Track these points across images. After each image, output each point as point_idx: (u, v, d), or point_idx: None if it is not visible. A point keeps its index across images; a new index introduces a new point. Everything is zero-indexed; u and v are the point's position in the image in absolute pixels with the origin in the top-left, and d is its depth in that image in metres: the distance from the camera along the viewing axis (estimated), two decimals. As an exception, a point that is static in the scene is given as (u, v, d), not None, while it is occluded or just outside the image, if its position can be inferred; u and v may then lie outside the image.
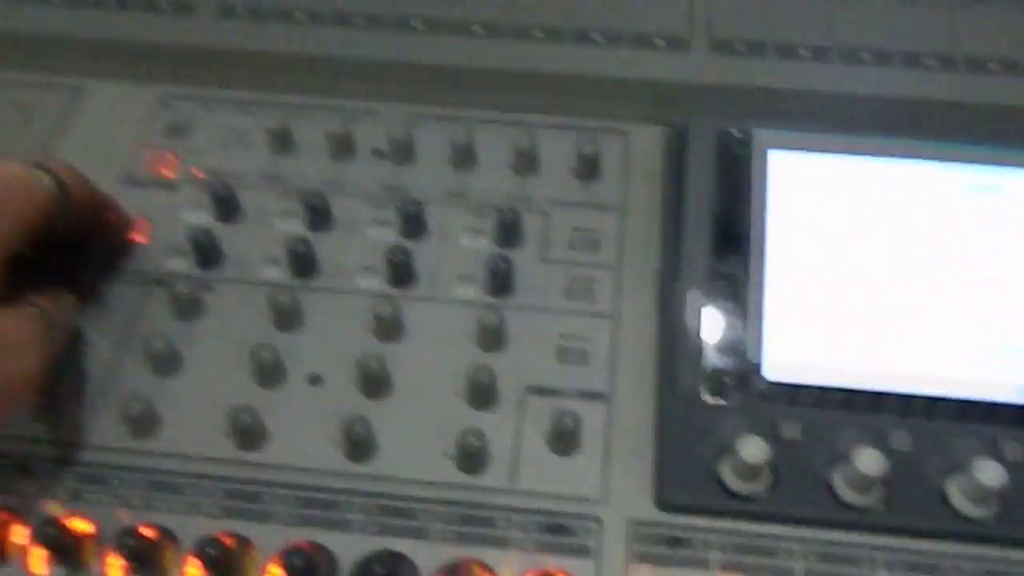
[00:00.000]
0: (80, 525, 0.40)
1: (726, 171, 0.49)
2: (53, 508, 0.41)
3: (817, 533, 0.41)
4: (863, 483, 0.40)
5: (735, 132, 0.50)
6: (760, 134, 0.50)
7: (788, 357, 0.45)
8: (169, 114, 0.55)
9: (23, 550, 0.40)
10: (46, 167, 0.42)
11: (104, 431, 0.44)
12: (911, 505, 0.41)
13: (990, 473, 0.39)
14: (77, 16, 0.61)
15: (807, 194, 0.48)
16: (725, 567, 0.40)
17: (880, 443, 0.41)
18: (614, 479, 0.42)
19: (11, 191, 0.39)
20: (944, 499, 0.41)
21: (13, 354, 0.38)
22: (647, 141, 0.54)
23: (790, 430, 0.43)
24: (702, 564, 0.40)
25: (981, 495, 0.40)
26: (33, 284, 0.42)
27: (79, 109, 0.56)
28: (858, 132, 0.50)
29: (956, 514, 0.40)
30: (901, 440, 0.42)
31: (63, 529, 0.39)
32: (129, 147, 0.54)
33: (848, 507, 0.41)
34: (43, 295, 0.42)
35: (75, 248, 0.46)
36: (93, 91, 0.57)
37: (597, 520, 0.41)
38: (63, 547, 0.39)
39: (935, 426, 0.43)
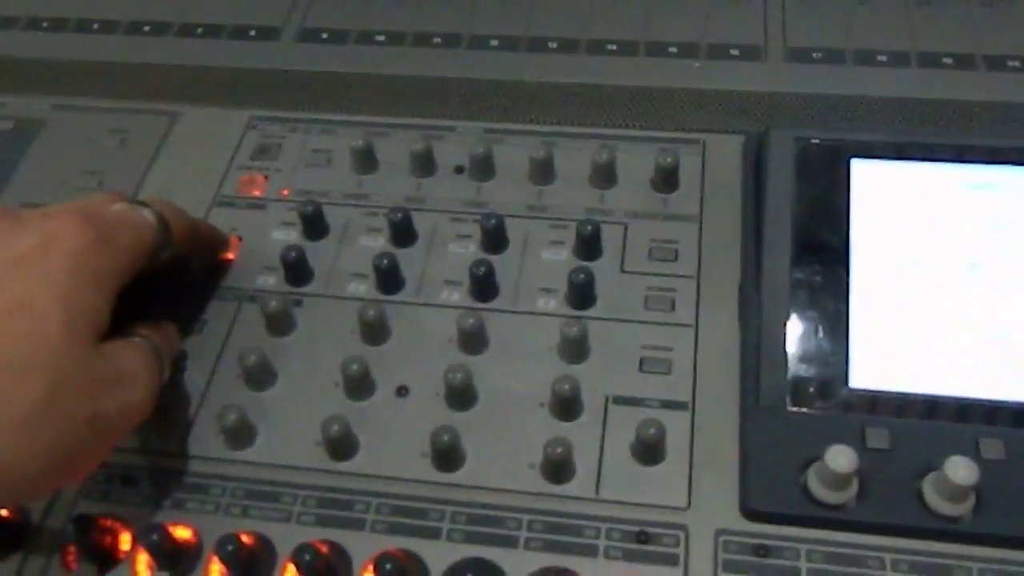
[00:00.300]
0: (182, 532, 0.42)
1: (806, 179, 0.49)
2: (156, 516, 0.43)
3: (907, 543, 0.40)
4: (954, 492, 0.39)
5: (815, 139, 0.50)
6: (841, 141, 0.50)
7: (873, 365, 0.44)
8: (257, 137, 0.57)
9: (129, 556, 0.42)
10: (146, 204, 0.44)
11: (203, 442, 0.45)
12: (1005, 515, 0.40)
13: (1087, 482, 0.39)
14: (168, 45, 0.64)
15: (890, 201, 0.48)
16: (814, 577, 0.40)
17: (971, 451, 0.41)
18: (699, 488, 0.43)
19: (119, 231, 0.41)
20: (1039, 508, 0.40)
21: (125, 386, 0.40)
22: (725, 151, 0.54)
23: (877, 438, 0.42)
24: (790, 573, 0.40)
25: (1078, 504, 0.39)
26: (138, 313, 0.44)
27: (173, 134, 0.59)
28: (940, 138, 0.50)
29: (1052, 524, 0.40)
30: (992, 448, 0.42)
31: (165, 535, 0.41)
32: (220, 169, 0.56)
33: (939, 516, 0.40)
34: (148, 325, 0.44)
35: (176, 274, 0.48)
36: (185, 116, 0.59)
37: (683, 529, 0.42)
38: (166, 553, 0.41)
39: (1028, 434, 0.42)
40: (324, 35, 0.63)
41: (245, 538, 0.41)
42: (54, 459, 0.37)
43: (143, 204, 0.44)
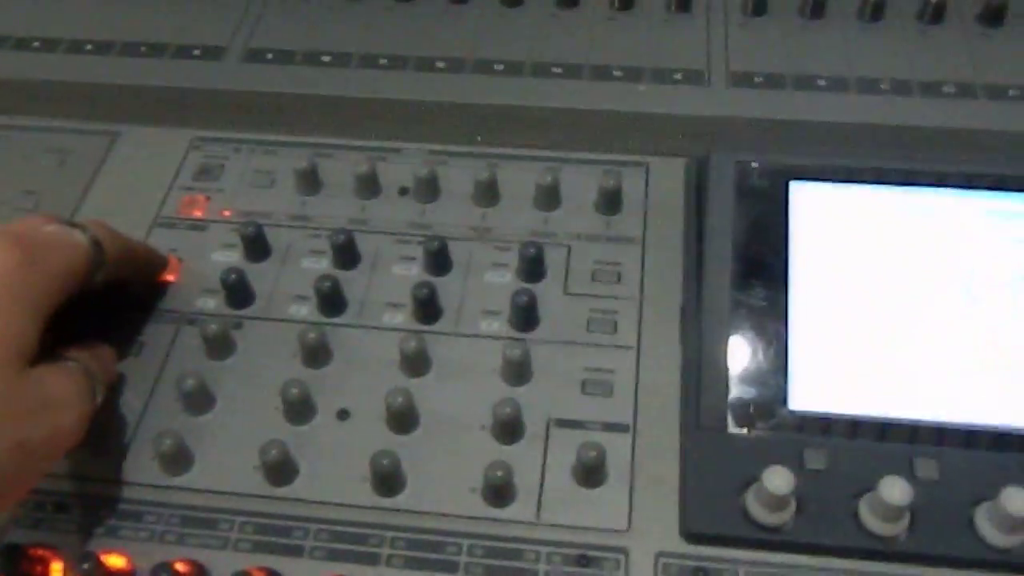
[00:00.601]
0: (115, 561, 0.41)
1: (747, 202, 0.49)
2: (89, 544, 0.42)
3: (843, 563, 0.41)
4: (889, 512, 0.40)
5: (755, 163, 0.50)
6: (781, 165, 0.50)
7: (813, 387, 0.45)
8: (199, 157, 0.57)
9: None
10: (80, 225, 0.43)
11: (138, 468, 0.45)
12: (938, 534, 0.41)
13: (1018, 502, 0.39)
14: (111, 64, 0.63)
15: (829, 224, 0.49)
16: (752, 599, 0.40)
17: (906, 471, 0.41)
18: (640, 510, 0.43)
19: (49, 252, 0.41)
20: (972, 527, 0.41)
21: (54, 411, 0.39)
22: (668, 174, 0.55)
23: (815, 460, 0.43)
24: (728, 598, 0.40)
25: (1009, 524, 0.40)
26: (72, 336, 0.43)
27: (113, 154, 0.58)
28: (879, 161, 0.51)
29: (983, 543, 0.40)
30: (927, 468, 0.42)
31: (99, 564, 0.40)
32: (161, 190, 0.55)
33: (874, 537, 0.41)
34: (82, 349, 0.43)
35: (112, 296, 0.48)
36: (126, 136, 0.59)
37: (624, 552, 0.42)
38: None
39: (962, 454, 0.43)
40: (269, 55, 0.63)
41: (180, 566, 0.40)
42: None
43: (76, 225, 0.43)
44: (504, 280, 0.50)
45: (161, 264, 0.51)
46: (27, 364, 0.38)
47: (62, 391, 0.40)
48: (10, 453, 0.36)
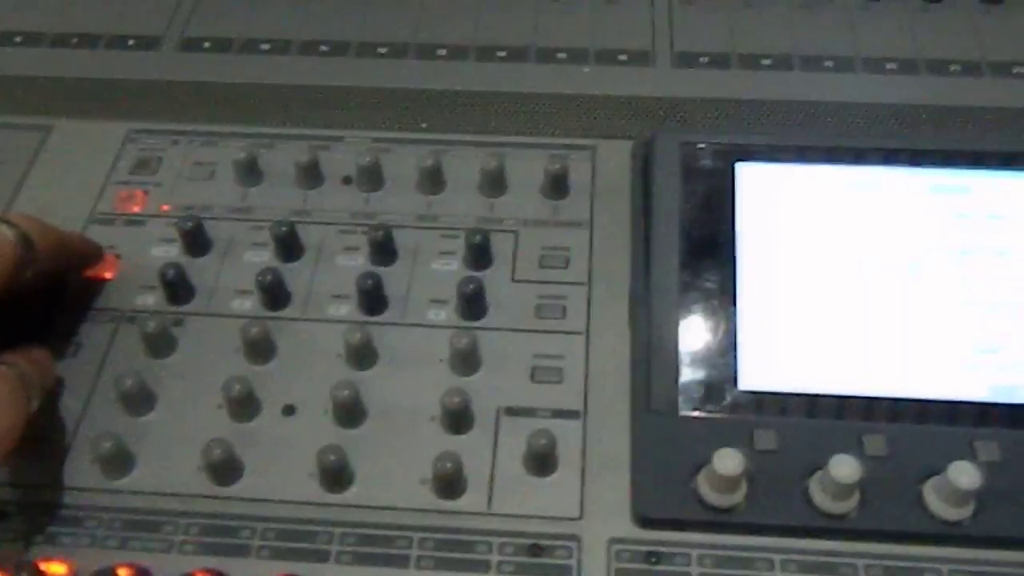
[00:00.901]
0: (56, 568, 0.40)
1: (693, 183, 0.49)
2: (29, 552, 0.41)
3: (796, 543, 0.41)
4: (839, 490, 0.40)
5: (700, 144, 0.50)
6: (726, 145, 0.50)
7: (762, 366, 0.45)
8: (136, 150, 0.55)
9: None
10: (6, 220, 0.42)
11: (77, 472, 0.43)
12: (888, 510, 0.41)
13: (965, 475, 0.39)
14: (41, 56, 0.61)
15: (775, 203, 0.48)
16: (704, 581, 0.40)
17: (855, 449, 0.42)
18: (592, 497, 0.42)
19: None
20: (921, 502, 0.41)
21: None
22: (614, 156, 0.54)
23: (765, 440, 0.43)
24: (683, 580, 0.40)
25: (957, 497, 0.40)
26: (5, 338, 0.42)
27: (46, 148, 0.56)
28: (824, 140, 0.51)
29: (933, 517, 0.40)
30: (876, 445, 0.42)
31: (37, 573, 0.39)
32: (97, 185, 0.54)
33: (825, 515, 0.41)
34: (15, 352, 0.42)
35: (47, 295, 0.46)
36: (59, 130, 0.57)
37: (577, 539, 0.41)
38: None
39: (910, 429, 0.43)
40: (206, 44, 0.61)
41: (122, 571, 0.39)
42: None
43: (1, 220, 0.42)
44: (451, 268, 0.50)
45: (96, 254, 0.49)
46: None
47: None
48: None
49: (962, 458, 0.40)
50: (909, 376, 0.44)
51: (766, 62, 0.58)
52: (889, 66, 0.58)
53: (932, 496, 0.41)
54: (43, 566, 0.40)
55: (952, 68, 0.57)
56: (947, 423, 0.43)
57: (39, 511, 0.42)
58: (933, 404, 0.43)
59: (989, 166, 0.49)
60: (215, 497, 0.43)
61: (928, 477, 0.41)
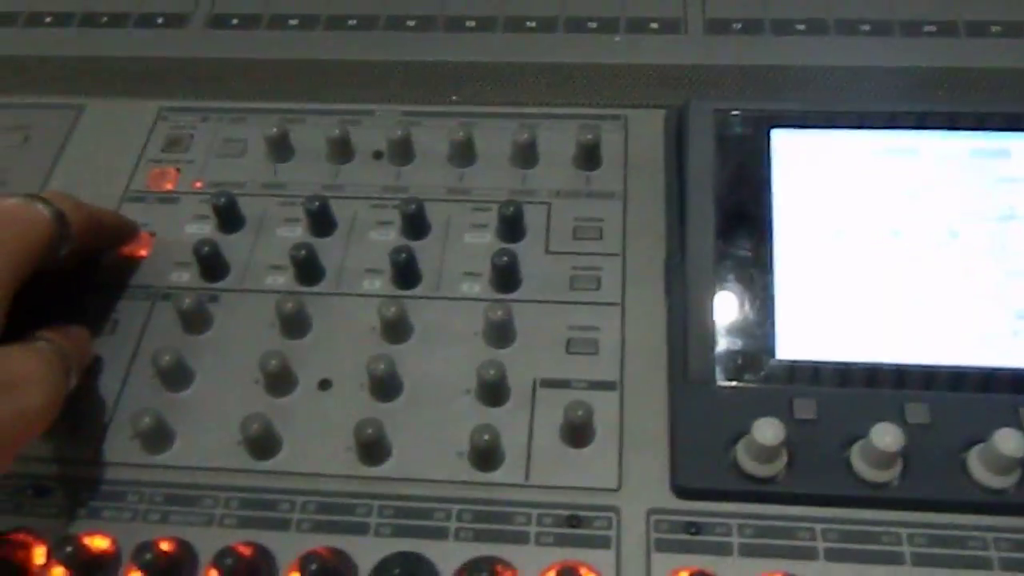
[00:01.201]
0: (98, 542, 0.41)
1: (728, 151, 0.48)
2: (71, 527, 0.41)
3: (836, 512, 0.40)
4: (881, 459, 0.39)
5: (735, 111, 0.49)
6: (761, 112, 0.49)
7: (799, 336, 0.44)
8: (167, 128, 0.55)
9: (44, 570, 0.40)
10: (42, 198, 0.42)
11: (117, 448, 0.44)
12: (931, 478, 0.40)
13: (1010, 443, 0.39)
14: (71, 36, 0.61)
15: (812, 170, 0.48)
16: (746, 551, 0.40)
17: (896, 417, 0.41)
18: (630, 468, 0.42)
19: (9, 227, 0.39)
20: (965, 470, 0.40)
21: (21, 390, 0.37)
22: (647, 126, 0.53)
23: (805, 409, 0.42)
24: (723, 549, 0.40)
25: (1002, 465, 0.39)
26: (44, 316, 0.42)
27: (78, 128, 0.56)
28: (860, 105, 0.50)
29: (977, 485, 0.40)
30: (918, 413, 0.42)
31: (80, 547, 0.39)
32: (130, 163, 0.54)
33: (867, 484, 0.40)
34: (54, 329, 0.42)
35: (84, 273, 0.46)
36: (91, 110, 0.57)
37: (615, 511, 0.41)
38: (81, 565, 0.39)
39: (953, 397, 0.42)
40: (234, 20, 0.61)
41: (164, 545, 0.40)
42: None
43: (37, 198, 0.42)
44: (484, 241, 0.49)
45: (131, 231, 0.50)
46: None
47: (30, 370, 0.38)
48: None
49: (1006, 425, 0.39)
50: (950, 344, 0.43)
51: (800, 27, 0.57)
52: (927, 28, 0.56)
53: (976, 464, 0.40)
54: (86, 540, 0.40)
55: (993, 29, 0.56)
56: (990, 391, 0.42)
57: (80, 486, 0.43)
58: (976, 372, 0.43)
59: (1031, 128, 0.47)
60: (254, 471, 0.43)
61: (972, 445, 0.41)
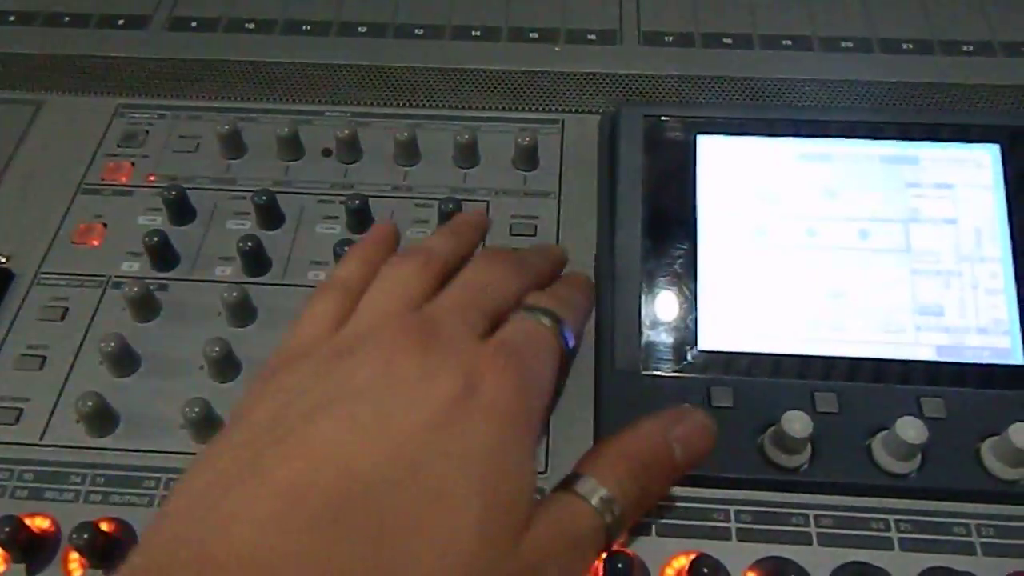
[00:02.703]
0: (38, 522, 0.39)
1: (656, 155, 0.47)
2: (12, 508, 0.39)
3: (749, 494, 0.39)
4: (791, 445, 0.39)
5: (664, 117, 0.48)
6: (688, 118, 0.48)
7: (721, 328, 0.43)
8: (124, 124, 0.53)
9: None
10: (540, 306, 0.36)
11: (63, 431, 0.42)
12: (838, 464, 0.39)
13: (911, 431, 0.38)
14: (35, 33, 0.59)
15: (734, 174, 0.47)
16: (661, 531, 0.38)
17: (807, 405, 0.40)
18: (557, 452, 0.41)
19: (535, 363, 0.33)
20: (869, 455, 0.40)
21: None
22: (582, 130, 0.52)
23: (722, 397, 0.41)
24: (640, 530, 0.39)
25: (903, 451, 0.39)
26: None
27: (38, 122, 0.54)
28: (780, 114, 0.49)
29: (881, 470, 0.39)
30: (827, 402, 0.41)
31: (20, 526, 0.37)
32: (86, 156, 0.52)
33: (779, 467, 0.39)
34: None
35: None
36: (50, 104, 0.55)
37: (542, 494, 0.40)
38: (20, 544, 0.37)
39: (859, 387, 0.42)
40: (194, 23, 0.59)
41: (104, 525, 0.38)
42: None
43: (535, 308, 0.35)
44: (425, 235, 0.48)
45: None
46: (519, 531, 0.29)
47: (551, 557, 0.30)
48: None
49: (909, 414, 0.39)
50: (859, 338, 0.43)
51: (728, 40, 0.56)
52: (845, 44, 0.56)
53: (880, 450, 0.39)
54: (27, 520, 0.38)
55: (905, 47, 0.55)
56: (894, 381, 0.42)
57: (24, 468, 0.41)
58: (881, 363, 0.42)
59: (937, 138, 0.47)
60: (195, 454, 0.41)
61: (876, 432, 0.40)
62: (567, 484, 0.33)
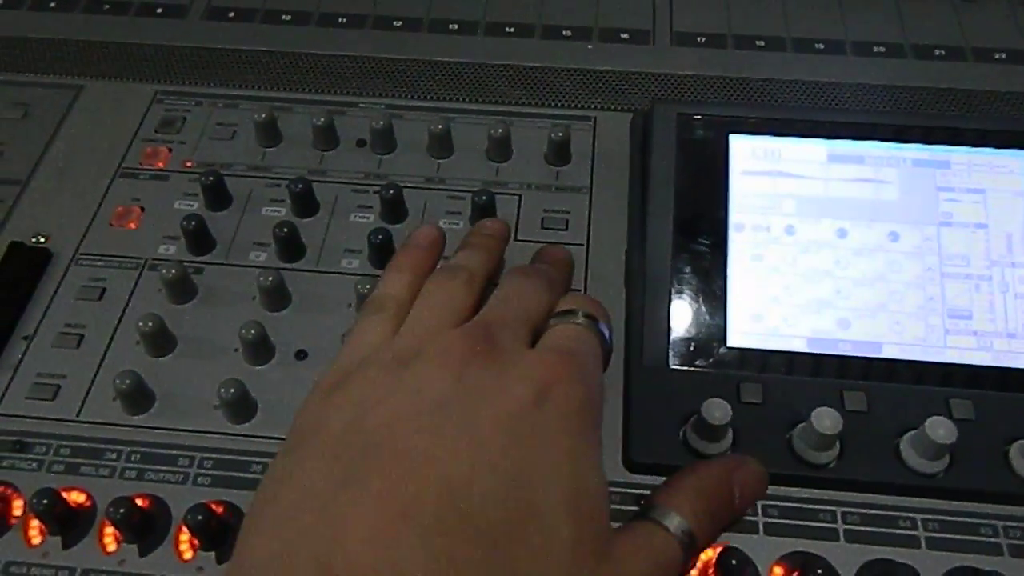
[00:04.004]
0: (74, 496, 0.39)
1: (689, 153, 0.48)
2: (50, 482, 0.40)
3: (778, 489, 0.39)
4: (820, 441, 0.39)
5: (696, 115, 0.48)
6: (721, 117, 0.48)
7: (750, 326, 0.43)
8: (162, 110, 0.54)
9: (22, 522, 0.39)
10: (573, 311, 0.37)
11: (99, 408, 0.42)
12: (866, 461, 0.39)
13: (941, 430, 0.38)
14: (75, 20, 0.59)
15: (765, 173, 0.47)
16: (691, 523, 0.39)
17: (836, 404, 0.40)
18: (585, 443, 0.41)
19: (591, 366, 0.35)
20: (898, 454, 0.40)
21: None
22: (614, 127, 0.52)
23: (751, 393, 0.41)
24: (670, 521, 0.39)
25: (932, 451, 0.39)
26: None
27: (77, 107, 0.54)
28: (810, 115, 0.49)
29: (909, 469, 0.39)
30: (856, 401, 0.41)
31: (58, 500, 0.37)
32: (124, 141, 0.52)
33: (806, 464, 0.39)
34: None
35: None
36: (90, 90, 0.55)
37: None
38: (57, 518, 0.37)
39: (889, 388, 0.42)
40: (231, 14, 0.59)
41: (139, 501, 0.38)
42: None
43: (570, 311, 0.37)
44: (457, 227, 0.48)
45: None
46: (607, 539, 0.31)
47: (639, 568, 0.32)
48: None
49: (937, 415, 0.39)
50: (889, 339, 0.43)
51: (760, 43, 0.57)
52: (877, 49, 0.56)
53: (908, 450, 0.39)
54: (64, 494, 0.38)
55: (937, 53, 0.56)
56: (923, 383, 0.42)
57: (61, 443, 0.41)
58: (911, 365, 0.42)
59: (969, 143, 0.47)
60: (229, 434, 0.41)
61: (905, 431, 0.40)
62: (648, 513, 0.34)
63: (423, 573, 0.26)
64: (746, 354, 0.43)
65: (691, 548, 0.33)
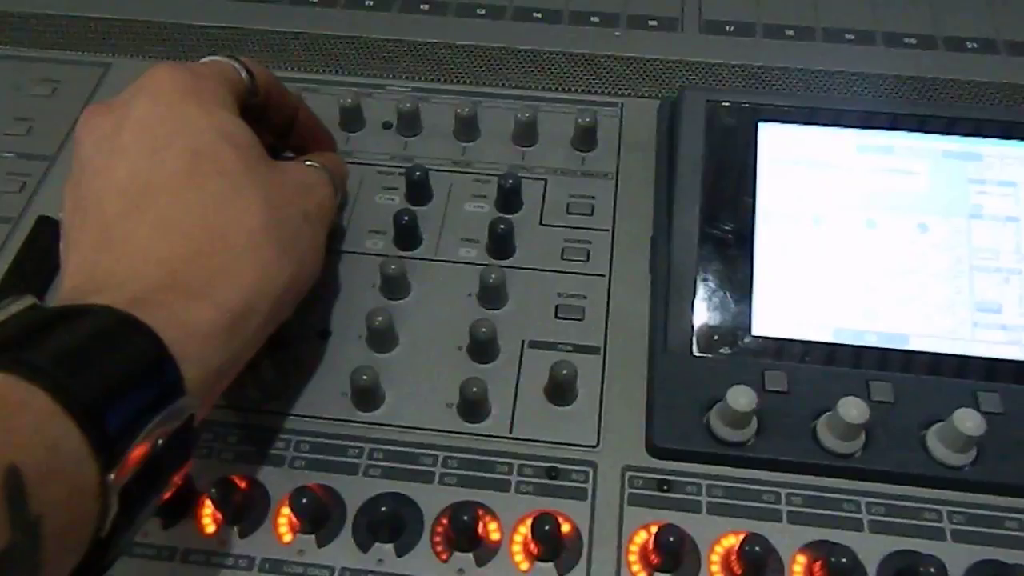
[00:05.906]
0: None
1: (717, 140, 0.47)
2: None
3: (801, 479, 0.39)
4: (847, 431, 0.38)
5: (725, 102, 0.48)
6: (750, 105, 0.48)
7: (775, 314, 0.43)
8: (189, 89, 0.54)
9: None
10: (235, 57, 0.42)
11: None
12: (892, 452, 0.39)
13: (968, 422, 0.38)
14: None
15: (794, 161, 0.47)
16: (713, 510, 0.38)
17: (862, 394, 0.40)
18: (609, 428, 0.41)
19: (209, 68, 0.40)
20: (924, 447, 0.39)
21: (314, 189, 0.40)
22: (641, 114, 0.52)
23: (776, 381, 0.41)
24: (692, 507, 0.39)
25: (959, 443, 0.38)
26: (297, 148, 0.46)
27: (105, 83, 0.54)
28: (840, 104, 0.49)
29: (935, 461, 0.39)
30: (882, 391, 0.41)
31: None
32: (151, 119, 0.52)
33: (831, 453, 0.39)
34: (312, 155, 0.44)
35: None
36: (119, 67, 0.55)
37: (592, 466, 0.40)
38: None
39: (916, 379, 0.41)
40: (259, -5, 0.59)
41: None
42: (294, 258, 0.36)
43: (231, 56, 0.42)
44: (483, 210, 0.48)
45: (293, 105, 0.46)
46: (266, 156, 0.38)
47: (308, 177, 0.41)
48: (302, 222, 0.37)
49: (963, 407, 0.38)
50: (916, 331, 0.43)
51: (790, 32, 0.56)
52: (908, 40, 0.55)
53: (935, 441, 0.39)
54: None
55: (969, 45, 0.55)
56: (951, 375, 0.41)
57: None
58: (938, 357, 0.42)
59: (1001, 136, 0.47)
60: (255, 410, 0.41)
61: (931, 424, 0.40)
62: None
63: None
64: (771, 343, 0.42)
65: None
